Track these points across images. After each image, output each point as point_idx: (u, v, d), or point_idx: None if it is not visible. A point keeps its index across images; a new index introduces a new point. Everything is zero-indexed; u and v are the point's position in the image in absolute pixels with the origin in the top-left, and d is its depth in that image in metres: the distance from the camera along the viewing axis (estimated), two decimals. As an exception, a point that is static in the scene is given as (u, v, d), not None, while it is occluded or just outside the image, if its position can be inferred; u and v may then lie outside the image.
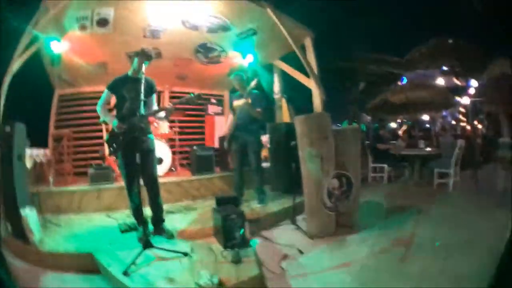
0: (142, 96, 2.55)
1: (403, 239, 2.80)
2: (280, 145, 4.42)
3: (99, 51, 4.66)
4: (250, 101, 3.54)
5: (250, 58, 5.21)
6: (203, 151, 4.71)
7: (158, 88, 5.68)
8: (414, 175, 5.36)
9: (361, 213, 3.40)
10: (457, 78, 7.85)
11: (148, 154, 2.73)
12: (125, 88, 2.69)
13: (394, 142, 7.27)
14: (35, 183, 3.80)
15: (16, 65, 3.51)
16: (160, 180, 4.00)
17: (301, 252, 2.62)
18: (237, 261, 2.16)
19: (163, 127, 5.03)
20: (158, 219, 2.84)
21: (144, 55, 2.68)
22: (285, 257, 2.55)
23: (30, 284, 2.16)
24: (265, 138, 4.91)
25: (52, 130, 4.94)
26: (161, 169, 4.44)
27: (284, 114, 6.24)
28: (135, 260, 2.19)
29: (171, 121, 5.24)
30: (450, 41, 7.67)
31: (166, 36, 4.63)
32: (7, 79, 3.37)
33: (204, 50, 5.25)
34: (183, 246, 2.55)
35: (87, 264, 2.37)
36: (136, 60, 2.71)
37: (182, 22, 4.36)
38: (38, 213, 2.97)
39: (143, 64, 2.67)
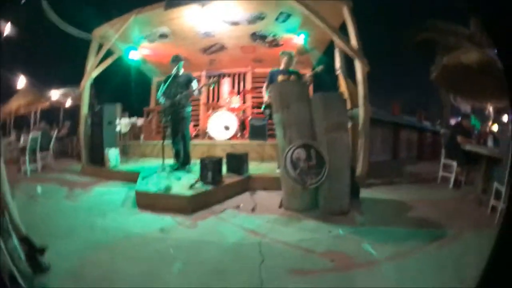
0: (180, 86, 4.00)
1: (339, 254, 2.11)
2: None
3: (176, 52, 6.02)
4: (291, 78, 4.01)
5: (302, 37, 5.55)
6: (256, 122, 5.67)
7: (243, 70, 7.30)
8: (478, 185, 3.88)
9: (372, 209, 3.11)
10: None
11: (182, 120, 4.09)
12: (170, 81, 4.06)
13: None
14: (131, 139, 6.10)
15: (99, 69, 5.50)
16: (220, 142, 5.66)
17: (253, 210, 2.99)
18: (190, 187, 3.24)
19: (234, 102, 6.56)
20: (184, 161, 4.27)
21: (175, 60, 4.10)
22: (237, 207, 3.07)
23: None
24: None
25: (151, 105, 7.28)
26: (227, 134, 5.94)
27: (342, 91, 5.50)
28: (155, 173, 3.75)
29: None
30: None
31: (219, 34, 5.80)
32: (88, 81, 5.40)
33: (258, 37, 5.94)
34: (189, 177, 3.74)
35: (135, 178, 3.92)
36: (172, 64, 4.12)
37: (223, 21, 5.36)
38: (122, 154, 5.05)
39: (178, 65, 4.07)
